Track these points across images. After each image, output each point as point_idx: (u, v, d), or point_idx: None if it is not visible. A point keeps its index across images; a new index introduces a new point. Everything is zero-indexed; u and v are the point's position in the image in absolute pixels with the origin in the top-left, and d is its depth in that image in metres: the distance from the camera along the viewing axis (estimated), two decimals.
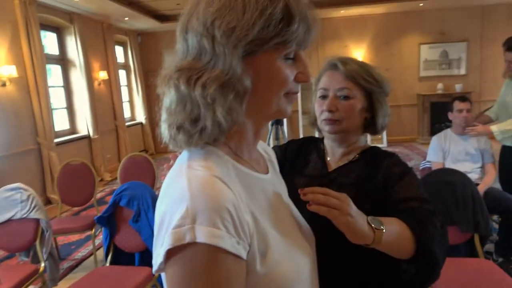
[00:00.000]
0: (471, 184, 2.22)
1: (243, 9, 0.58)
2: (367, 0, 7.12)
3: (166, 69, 0.63)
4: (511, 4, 7.66)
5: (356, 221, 0.74)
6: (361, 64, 1.07)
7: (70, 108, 6.35)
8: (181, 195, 0.56)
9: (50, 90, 5.49)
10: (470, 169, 2.94)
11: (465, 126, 2.95)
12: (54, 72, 6.08)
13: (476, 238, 2.17)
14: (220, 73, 0.59)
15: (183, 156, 0.66)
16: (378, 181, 1.01)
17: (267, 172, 0.76)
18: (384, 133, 7.95)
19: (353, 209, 0.75)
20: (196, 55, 0.61)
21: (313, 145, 1.18)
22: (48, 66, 5.65)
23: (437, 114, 7.56)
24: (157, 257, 0.56)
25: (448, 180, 2.21)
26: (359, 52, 8.17)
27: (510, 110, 2.90)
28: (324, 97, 1.07)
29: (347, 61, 1.06)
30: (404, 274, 0.90)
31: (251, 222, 0.59)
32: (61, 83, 6.21)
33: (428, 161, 3.16)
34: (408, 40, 8.10)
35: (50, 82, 5.55)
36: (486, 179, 2.88)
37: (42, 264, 2.54)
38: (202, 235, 0.52)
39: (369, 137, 7.82)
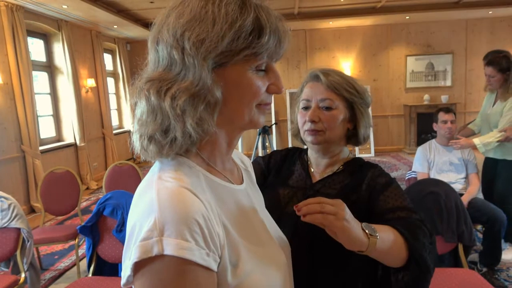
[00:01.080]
0: (455, 194, 2.24)
1: (213, 21, 0.59)
2: (355, 12, 7.22)
3: (138, 80, 0.63)
4: (493, 19, 7.87)
5: (351, 227, 0.74)
6: (343, 76, 1.08)
7: (56, 116, 6.27)
8: (150, 207, 0.55)
9: (36, 97, 5.43)
10: (455, 179, 2.97)
11: (450, 137, 3.00)
12: (40, 79, 6.01)
13: (460, 248, 2.19)
14: (190, 84, 0.59)
15: (155, 167, 0.65)
16: (363, 191, 1.02)
17: (241, 182, 0.76)
18: (372, 143, 8.03)
19: (348, 214, 0.75)
20: (167, 66, 0.62)
21: (297, 156, 1.18)
22: (35, 73, 5.58)
23: (424, 125, 7.67)
24: (125, 270, 0.55)
25: (433, 190, 2.23)
26: (347, 63, 8.27)
27: (492, 123, 2.96)
28: (306, 108, 1.08)
29: (329, 73, 1.07)
30: (395, 284, 0.90)
31: (222, 234, 0.59)
32: (47, 90, 6.14)
33: (414, 171, 3.19)
34: (395, 52, 8.23)
35: (36, 89, 5.48)
36: (470, 189, 2.92)
37: (23, 275, 2.47)
38: (169, 248, 0.51)
39: (357, 147, 7.88)
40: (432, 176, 3.01)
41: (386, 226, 0.86)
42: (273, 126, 8.04)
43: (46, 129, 6.05)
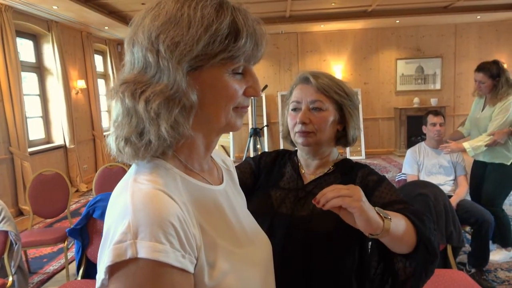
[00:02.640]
0: (443, 196, 2.27)
1: (188, 24, 0.59)
2: (346, 16, 7.28)
3: (114, 81, 0.63)
4: (481, 23, 7.99)
5: (368, 208, 0.75)
6: (332, 78, 1.09)
7: (45, 117, 6.20)
8: (124, 209, 0.55)
9: (25, 98, 5.36)
10: (443, 181, 3.01)
11: (439, 140, 3.04)
12: (30, 80, 5.94)
13: (449, 249, 2.21)
14: (165, 87, 0.59)
15: (131, 169, 0.65)
16: None
17: (221, 183, 0.76)
18: (363, 146, 8.09)
19: (364, 196, 0.76)
20: (142, 68, 0.61)
21: (287, 157, 1.19)
22: (24, 74, 5.52)
23: (413, 128, 7.74)
24: (100, 273, 0.55)
25: (421, 192, 2.25)
26: (338, 66, 8.32)
27: (481, 127, 3.01)
28: (296, 109, 1.09)
29: (318, 75, 1.08)
30: (403, 271, 0.91)
31: (198, 235, 0.59)
32: (37, 91, 6.07)
33: (404, 173, 3.22)
34: (385, 55, 8.31)
35: (25, 90, 5.42)
36: (459, 191, 2.95)
37: (10, 279, 2.44)
38: (144, 250, 0.51)
39: (348, 149, 7.93)
40: (421, 178, 3.04)
41: (395, 212, 0.87)
42: (265, 128, 8.06)
43: (35, 131, 5.97)
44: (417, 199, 2.26)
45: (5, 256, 2.46)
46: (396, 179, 3.44)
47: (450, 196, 2.78)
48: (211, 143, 0.70)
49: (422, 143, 3.19)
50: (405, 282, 0.92)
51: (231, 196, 0.76)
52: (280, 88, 8.30)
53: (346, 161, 1.14)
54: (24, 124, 5.17)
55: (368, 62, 8.36)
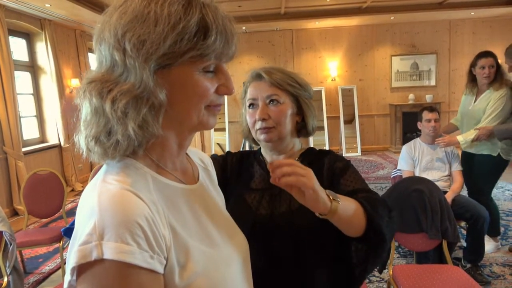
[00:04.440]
0: (438, 191, 2.28)
1: (155, 22, 0.57)
2: (341, 12, 7.28)
3: (82, 81, 0.62)
4: (476, 19, 8.02)
5: (319, 189, 0.79)
6: (284, 71, 1.12)
7: (40, 116, 6.16)
8: (91, 210, 0.54)
9: (19, 97, 5.32)
10: (438, 177, 3.02)
11: (434, 136, 3.06)
12: (23, 79, 5.89)
13: (444, 245, 2.22)
14: (131, 86, 0.58)
15: (101, 169, 0.64)
16: (324, 179, 1.06)
17: (195, 182, 0.75)
18: (358, 142, 8.11)
19: (315, 178, 0.81)
20: (109, 67, 0.60)
21: (253, 157, 1.20)
22: (17, 73, 5.47)
23: (409, 124, 7.77)
24: (67, 275, 0.54)
25: (417, 188, 2.26)
26: (333, 63, 8.33)
27: (475, 118, 3.04)
28: (253, 106, 1.11)
29: (270, 70, 1.10)
30: (356, 254, 0.97)
31: (168, 235, 0.58)
32: (30, 90, 6.02)
33: (399, 170, 3.23)
34: (380, 52, 8.33)
35: (18, 89, 5.37)
36: (454, 187, 2.97)
37: (5, 279, 2.42)
38: (109, 252, 0.51)
39: (344, 146, 7.96)
40: (417, 174, 3.05)
41: (349, 197, 0.92)
42: None
43: (30, 130, 5.93)
44: (412, 195, 2.27)
45: (0, 256, 2.44)
46: (392, 176, 3.45)
47: (445, 192, 2.79)
48: (184, 141, 0.69)
49: (418, 139, 3.20)
50: (357, 265, 1.00)
51: (206, 195, 0.75)
52: None
53: (310, 150, 1.17)
54: (18, 124, 5.13)
55: (363, 59, 8.37)
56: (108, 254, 0.50)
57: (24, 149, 5.28)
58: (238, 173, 1.17)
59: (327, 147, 8.06)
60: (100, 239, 0.51)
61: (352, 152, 8.08)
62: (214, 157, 1.21)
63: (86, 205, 0.57)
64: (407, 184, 2.38)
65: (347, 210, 0.85)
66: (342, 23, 7.98)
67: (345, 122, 8.23)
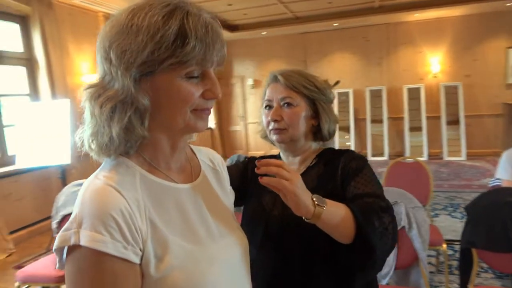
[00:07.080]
0: None
1: (136, 33, 0.63)
2: (444, 1, 6.60)
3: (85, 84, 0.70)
4: None
5: (301, 193, 0.82)
6: (302, 74, 1.12)
7: None
8: (78, 201, 0.63)
9: (8, 99, 4.44)
10: None
11: None
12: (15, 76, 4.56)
13: None
14: (115, 93, 0.64)
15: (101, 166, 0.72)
16: (338, 179, 1.06)
17: (192, 181, 0.78)
18: (463, 146, 7.31)
19: (300, 183, 0.83)
20: (102, 75, 0.67)
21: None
22: (6, 68, 4.41)
23: None
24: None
25: (510, 201, 1.94)
26: (435, 58, 7.63)
27: None
28: (269, 107, 1.13)
29: (288, 73, 1.12)
30: (347, 260, 0.94)
31: (145, 229, 0.64)
32: (27, 90, 4.60)
33: (498, 179, 2.81)
34: (493, 44, 7.35)
35: (8, 89, 4.51)
36: None
37: None
38: (84, 239, 0.58)
39: (446, 149, 7.22)
40: None
41: (342, 204, 0.91)
42: (352, 125, 7.76)
43: None
44: (504, 209, 1.96)
45: None
46: (490, 184, 3.02)
47: None
48: (176, 143, 0.74)
49: None
50: (351, 270, 0.97)
51: (202, 195, 0.78)
52: (369, 83, 7.90)
53: (328, 149, 1.16)
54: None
55: (471, 53, 7.49)
56: (83, 241, 0.58)
57: None
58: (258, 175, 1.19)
59: (425, 150, 7.45)
60: (78, 227, 0.59)
61: (455, 156, 7.31)
62: (236, 162, 1.28)
63: (78, 196, 0.66)
64: (500, 194, 2.05)
65: (334, 216, 0.86)
66: (445, 13, 7.22)
67: (448, 123, 7.48)
